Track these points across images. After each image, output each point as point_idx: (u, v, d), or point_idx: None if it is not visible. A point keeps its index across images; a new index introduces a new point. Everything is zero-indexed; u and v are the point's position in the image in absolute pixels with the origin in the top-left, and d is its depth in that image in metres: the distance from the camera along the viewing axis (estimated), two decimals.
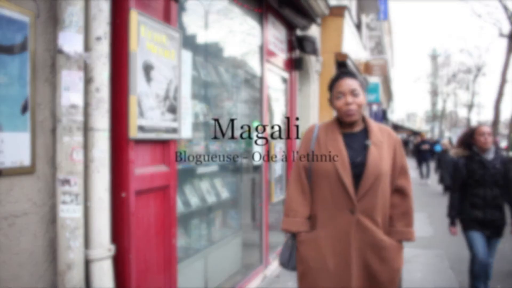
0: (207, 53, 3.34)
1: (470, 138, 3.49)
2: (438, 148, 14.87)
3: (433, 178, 14.39)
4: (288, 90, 5.02)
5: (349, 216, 1.88)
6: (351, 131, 2.00)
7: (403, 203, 1.97)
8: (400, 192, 1.98)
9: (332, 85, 2.02)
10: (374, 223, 1.90)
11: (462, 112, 44.04)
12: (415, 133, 34.13)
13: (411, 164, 18.48)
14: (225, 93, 3.70)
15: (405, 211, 1.97)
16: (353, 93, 1.93)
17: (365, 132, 2.00)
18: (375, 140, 1.95)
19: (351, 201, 1.87)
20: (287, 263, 2.03)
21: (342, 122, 2.01)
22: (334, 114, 2.10)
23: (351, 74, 2.01)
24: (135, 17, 2.03)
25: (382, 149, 1.94)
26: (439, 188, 12.13)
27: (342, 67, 6.82)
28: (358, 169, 1.90)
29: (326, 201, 1.94)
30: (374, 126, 2.01)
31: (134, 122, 2.04)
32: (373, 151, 1.92)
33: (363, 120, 2.04)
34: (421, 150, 14.55)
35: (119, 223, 2.03)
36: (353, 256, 1.88)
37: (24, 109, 1.65)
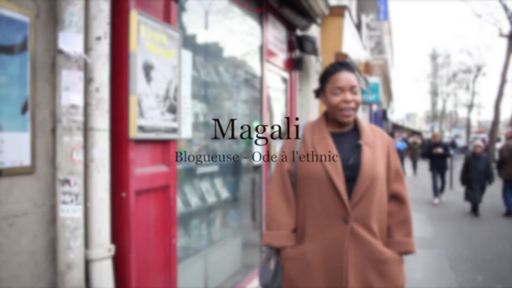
0: (207, 53, 3.34)
1: None
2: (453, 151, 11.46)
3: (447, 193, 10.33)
4: (288, 90, 5.02)
5: (342, 226, 1.65)
6: (340, 130, 1.79)
7: (401, 211, 1.76)
8: (396, 198, 1.77)
9: (327, 78, 1.77)
10: (370, 233, 1.68)
11: (462, 112, 44.23)
12: (413, 132, 33.26)
13: (407, 164, 18.37)
14: (225, 93, 3.70)
15: (403, 219, 1.76)
16: (353, 90, 1.72)
17: (355, 131, 1.79)
18: (367, 140, 1.74)
19: (345, 208, 1.64)
20: (271, 283, 1.74)
21: (331, 120, 1.80)
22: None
23: (349, 67, 1.77)
24: (135, 17, 2.03)
25: (375, 149, 1.74)
26: (465, 205, 8.56)
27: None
28: (351, 172, 1.68)
29: (315, 210, 1.70)
30: (365, 125, 1.81)
31: (134, 122, 2.04)
32: (367, 151, 1.71)
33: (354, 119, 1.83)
34: (433, 155, 9.61)
35: (119, 223, 2.03)
36: (351, 274, 1.64)
37: (24, 109, 1.65)
